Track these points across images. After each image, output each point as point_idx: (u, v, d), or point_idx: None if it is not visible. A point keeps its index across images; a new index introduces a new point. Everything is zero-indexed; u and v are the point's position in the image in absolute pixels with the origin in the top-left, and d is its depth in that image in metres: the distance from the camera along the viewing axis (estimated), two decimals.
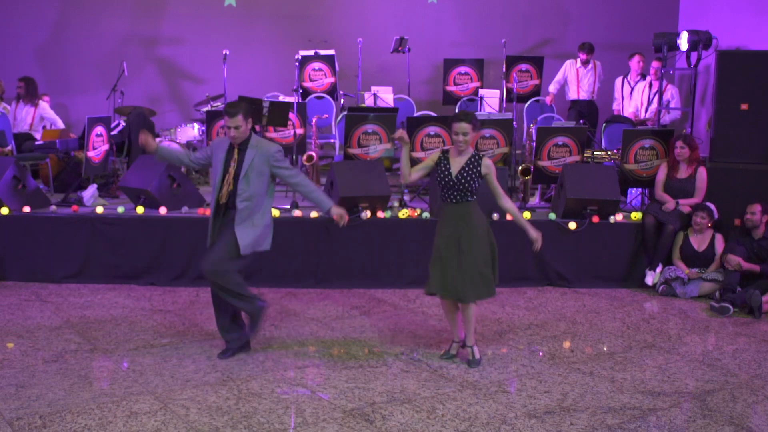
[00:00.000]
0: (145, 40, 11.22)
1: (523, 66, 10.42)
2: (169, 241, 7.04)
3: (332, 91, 10.37)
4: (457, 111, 10.10)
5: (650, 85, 9.55)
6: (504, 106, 10.03)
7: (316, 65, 10.36)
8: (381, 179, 7.25)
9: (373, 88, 9.97)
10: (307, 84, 10.35)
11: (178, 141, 9.49)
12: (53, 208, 7.29)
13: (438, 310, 6.22)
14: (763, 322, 6.30)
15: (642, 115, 9.58)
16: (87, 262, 7.05)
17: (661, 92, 8.89)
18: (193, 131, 9.74)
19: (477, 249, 4.99)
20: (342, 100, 10.41)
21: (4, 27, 11.05)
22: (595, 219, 7.21)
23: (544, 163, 7.89)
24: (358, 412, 4.36)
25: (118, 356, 5.21)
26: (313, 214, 7.13)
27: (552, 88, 10.17)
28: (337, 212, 5.11)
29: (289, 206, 7.35)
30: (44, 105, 9.37)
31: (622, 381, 4.93)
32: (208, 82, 10.90)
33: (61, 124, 9.48)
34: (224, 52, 9.57)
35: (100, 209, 7.21)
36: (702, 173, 7.29)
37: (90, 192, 7.63)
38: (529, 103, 10.26)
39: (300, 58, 10.16)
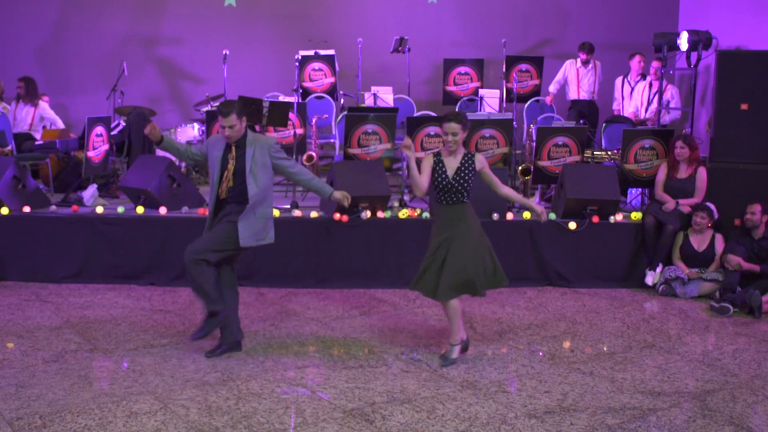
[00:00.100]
0: (145, 40, 11.23)
1: (523, 66, 10.42)
2: (169, 241, 7.03)
3: (332, 91, 10.37)
4: (457, 111, 10.12)
5: (650, 85, 9.55)
6: (504, 106, 10.04)
7: (316, 65, 10.36)
8: (381, 179, 7.25)
9: (373, 88, 9.97)
10: (307, 84, 10.35)
11: (178, 141, 9.50)
12: (53, 208, 7.29)
13: (438, 310, 6.22)
14: (763, 322, 6.30)
15: (642, 115, 9.58)
16: (87, 262, 7.05)
17: (661, 92, 8.89)
18: (193, 131, 9.74)
19: (466, 250, 4.97)
20: (342, 100, 10.41)
21: (4, 27, 11.05)
22: (595, 219, 7.21)
23: (544, 163, 7.89)
24: (358, 412, 4.36)
25: (118, 356, 5.21)
26: (313, 214, 7.13)
27: (552, 88, 10.17)
28: (340, 195, 5.20)
29: (289, 206, 7.35)
30: (44, 105, 9.37)
31: (622, 381, 4.94)
32: (208, 82, 10.90)
33: (61, 124, 9.48)
34: (224, 52, 9.57)
35: (100, 209, 7.21)
36: (702, 173, 7.29)
37: (90, 192, 7.63)
38: (529, 103, 10.26)
39: (300, 58, 10.17)
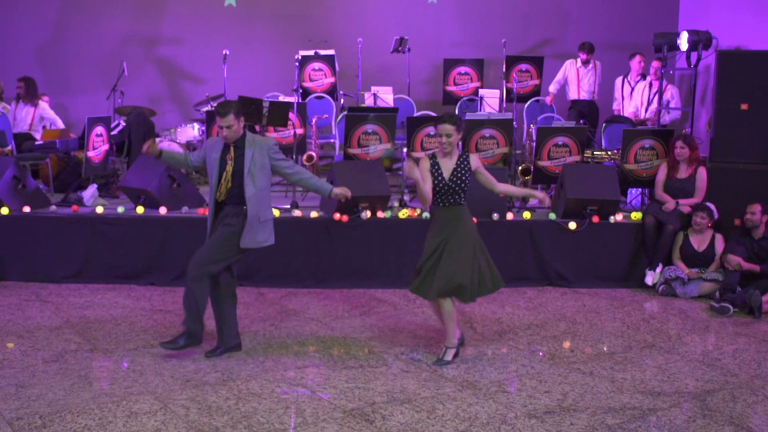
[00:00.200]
0: (145, 40, 11.23)
1: (523, 66, 10.42)
2: (169, 241, 7.04)
3: (332, 91, 10.37)
4: (457, 111, 10.13)
5: (650, 85, 9.55)
6: (504, 106, 10.04)
7: (316, 65, 10.36)
8: (381, 179, 7.25)
9: (373, 88, 9.98)
10: (307, 84, 10.35)
11: (178, 141, 9.49)
12: (53, 208, 7.29)
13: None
14: (763, 322, 6.30)
15: (642, 115, 9.58)
16: (87, 262, 7.05)
17: (661, 92, 8.89)
18: (193, 131, 9.74)
19: (460, 255, 4.96)
20: (342, 100, 10.41)
21: (4, 27, 11.05)
22: (595, 219, 7.21)
23: (544, 163, 7.89)
24: (358, 412, 4.36)
25: (118, 356, 5.21)
26: (313, 214, 7.13)
27: (552, 88, 10.18)
28: (339, 192, 5.19)
29: (289, 206, 7.35)
30: (44, 105, 9.37)
31: (622, 381, 4.94)
32: (208, 82, 10.90)
33: (61, 124, 9.48)
34: (224, 52, 9.57)
35: (100, 209, 7.21)
36: (702, 173, 7.29)
37: (90, 192, 7.63)
38: (529, 103, 10.26)
39: (300, 58, 10.17)
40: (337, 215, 6.98)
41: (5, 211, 7.05)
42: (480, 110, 9.58)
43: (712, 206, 7.12)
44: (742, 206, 6.95)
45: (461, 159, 5.05)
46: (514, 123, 8.30)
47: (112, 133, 8.62)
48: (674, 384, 4.92)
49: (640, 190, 8.21)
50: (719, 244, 6.97)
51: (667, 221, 7.10)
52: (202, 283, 5.01)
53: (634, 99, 9.77)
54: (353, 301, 6.66)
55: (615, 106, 10.09)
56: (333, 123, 9.88)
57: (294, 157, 8.42)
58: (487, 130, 7.85)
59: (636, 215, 7.40)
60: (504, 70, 10.23)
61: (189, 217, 7.13)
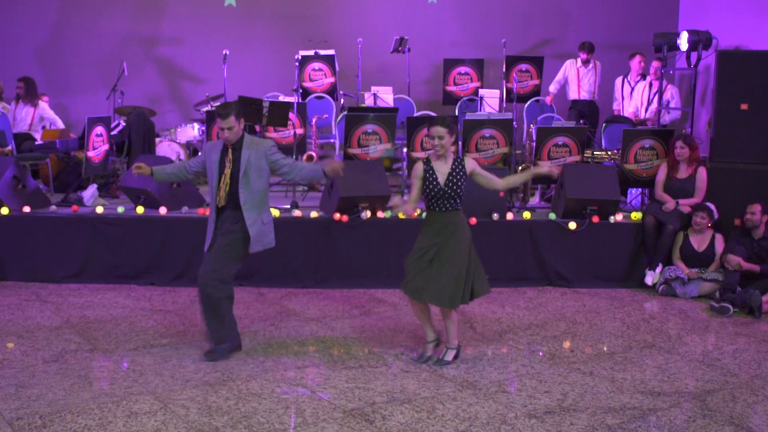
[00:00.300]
0: (145, 40, 11.23)
1: (523, 66, 10.42)
2: (169, 241, 7.04)
3: (332, 91, 10.37)
4: (457, 111, 10.13)
5: (650, 85, 9.55)
6: (504, 106, 10.04)
7: (316, 65, 10.36)
8: (381, 179, 7.25)
9: (373, 88, 9.98)
10: (307, 84, 10.35)
11: (178, 141, 9.50)
12: (53, 208, 7.29)
13: (436, 310, 6.21)
14: (763, 322, 6.30)
15: (642, 115, 9.58)
16: (87, 262, 7.05)
17: (661, 92, 8.89)
18: (193, 131, 9.75)
19: (459, 258, 4.95)
20: (342, 100, 10.41)
21: (4, 27, 11.05)
22: (595, 219, 7.21)
23: (544, 163, 7.89)
24: (358, 412, 4.36)
25: (118, 356, 5.21)
26: (313, 214, 7.13)
27: (552, 88, 10.18)
28: (331, 168, 5.01)
29: (289, 206, 7.35)
30: (44, 105, 9.37)
31: (622, 381, 4.94)
32: (208, 82, 10.90)
33: (60, 124, 9.48)
34: (224, 52, 9.57)
35: (100, 209, 7.21)
36: (702, 173, 7.29)
37: (90, 192, 7.63)
38: (529, 103, 10.26)
39: (300, 58, 10.17)
40: (337, 215, 6.98)
41: (5, 211, 7.05)
42: (480, 110, 9.58)
43: (712, 206, 7.12)
44: (742, 206, 6.95)
45: (456, 163, 5.00)
46: (514, 123, 8.31)
47: (112, 133, 8.62)
48: (674, 384, 4.92)
49: (640, 190, 8.22)
50: (719, 244, 6.97)
51: (667, 221, 7.10)
52: (216, 289, 4.97)
53: (634, 99, 9.77)
54: (353, 301, 6.66)
55: (615, 106, 10.10)
56: (333, 123, 9.88)
57: (294, 157, 8.42)
58: (487, 130, 7.85)
59: (636, 215, 7.40)
60: (504, 70, 10.23)
61: (189, 217, 7.13)
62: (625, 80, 9.96)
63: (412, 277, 5.04)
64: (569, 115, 10.13)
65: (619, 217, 7.34)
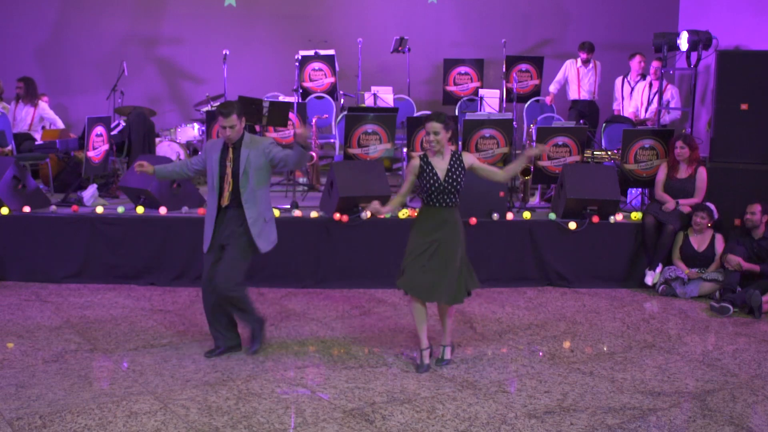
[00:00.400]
0: (145, 40, 11.23)
1: (523, 66, 10.42)
2: (169, 241, 7.04)
3: (332, 91, 10.37)
4: (457, 111, 10.13)
5: (650, 85, 9.55)
6: (504, 106, 10.04)
7: (316, 65, 10.36)
8: (381, 179, 7.25)
9: (373, 88, 9.98)
10: (307, 84, 10.35)
11: (178, 141, 9.50)
12: (53, 208, 7.29)
13: (436, 310, 6.21)
14: (763, 322, 6.30)
15: (642, 115, 9.58)
16: (87, 262, 7.05)
17: (661, 92, 8.89)
18: (193, 131, 9.74)
19: (459, 255, 4.95)
20: (342, 100, 10.41)
21: (4, 27, 11.05)
22: (595, 219, 7.21)
23: (544, 163, 7.89)
24: (358, 412, 4.36)
25: (118, 356, 5.21)
26: (313, 214, 7.13)
27: (552, 88, 10.18)
28: (300, 138, 4.97)
29: (289, 206, 7.35)
30: (44, 105, 9.37)
31: (622, 381, 4.94)
32: (208, 82, 10.90)
33: (60, 124, 9.48)
34: (224, 52, 9.57)
35: (100, 209, 7.21)
36: (702, 173, 7.29)
37: (90, 192, 7.63)
38: (529, 103, 10.26)
39: (300, 58, 10.17)
40: (337, 215, 6.98)
41: (5, 211, 7.05)
42: (480, 110, 9.58)
43: (712, 206, 7.12)
44: (742, 206, 6.95)
45: (454, 158, 4.99)
46: (514, 123, 8.31)
47: (112, 133, 8.62)
48: (674, 384, 4.92)
49: (640, 190, 8.21)
50: (719, 244, 6.97)
51: (667, 221, 7.11)
52: (238, 293, 5.09)
53: (634, 99, 9.77)
54: (353, 301, 6.66)
55: (615, 106, 10.09)
56: (333, 123, 9.88)
57: None
58: (487, 130, 7.85)
59: (636, 215, 7.40)
60: (504, 70, 10.23)
61: (189, 217, 7.13)
62: (625, 80, 9.96)
63: (413, 276, 4.98)
64: (569, 115, 10.13)
65: (619, 217, 7.34)
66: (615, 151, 8.32)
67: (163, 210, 7.17)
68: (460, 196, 5.05)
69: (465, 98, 10.43)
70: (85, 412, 4.28)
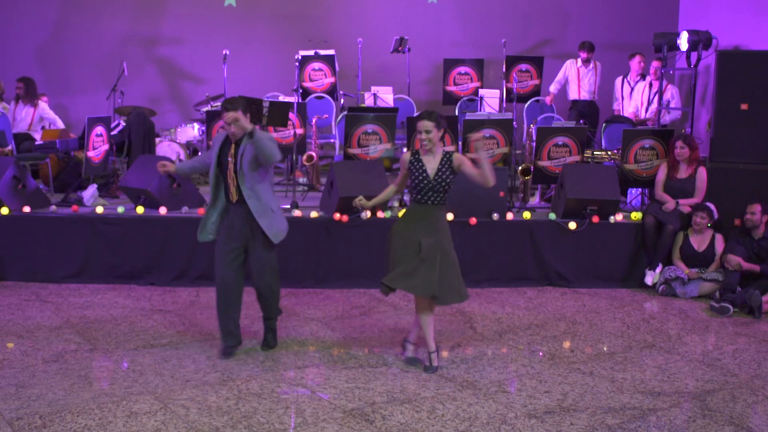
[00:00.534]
0: (145, 40, 11.23)
1: (523, 66, 10.42)
2: (169, 241, 7.04)
3: (332, 91, 10.37)
4: (457, 111, 10.14)
5: (650, 85, 9.55)
6: (504, 106, 10.04)
7: (316, 65, 10.36)
8: (381, 179, 7.24)
9: (373, 88, 9.98)
10: (307, 84, 10.35)
11: (178, 141, 9.50)
12: (53, 208, 7.29)
13: (436, 309, 6.20)
14: (763, 322, 6.30)
15: (642, 115, 9.58)
16: (87, 262, 7.05)
17: (661, 92, 8.89)
18: (193, 131, 9.74)
19: (444, 252, 4.92)
20: (342, 100, 10.41)
21: (4, 27, 11.05)
22: (595, 219, 7.21)
23: (544, 163, 7.89)
24: (358, 412, 4.36)
25: (118, 356, 5.21)
26: (313, 214, 7.13)
27: (553, 88, 10.18)
28: (230, 116, 4.94)
29: (289, 206, 7.35)
30: (43, 105, 9.36)
31: (622, 381, 4.93)
32: (208, 82, 10.90)
33: (60, 124, 9.48)
34: (224, 52, 9.57)
35: (100, 209, 7.21)
36: (702, 173, 7.29)
37: (90, 192, 7.63)
38: (529, 103, 10.26)
39: (300, 58, 10.17)
40: (337, 215, 6.98)
41: (5, 211, 7.05)
42: (480, 110, 9.59)
43: (712, 206, 7.12)
44: (742, 206, 6.95)
45: (444, 159, 4.98)
46: (514, 123, 8.31)
47: (112, 133, 8.62)
48: (674, 384, 4.92)
49: (640, 190, 8.22)
50: (719, 244, 6.97)
51: (667, 221, 7.11)
52: (276, 285, 5.31)
53: (634, 99, 9.77)
54: (353, 301, 6.66)
55: (615, 106, 10.10)
56: (333, 123, 9.88)
57: (294, 157, 8.42)
58: (487, 130, 7.85)
59: (636, 215, 7.40)
60: (504, 70, 10.23)
61: (189, 217, 7.13)
62: (625, 80, 9.96)
63: (396, 270, 4.93)
64: (569, 115, 10.13)
65: (619, 217, 7.34)
66: (615, 151, 8.32)
67: (163, 210, 7.17)
68: (448, 196, 5.03)
69: (465, 98, 10.43)
70: (85, 412, 4.28)
